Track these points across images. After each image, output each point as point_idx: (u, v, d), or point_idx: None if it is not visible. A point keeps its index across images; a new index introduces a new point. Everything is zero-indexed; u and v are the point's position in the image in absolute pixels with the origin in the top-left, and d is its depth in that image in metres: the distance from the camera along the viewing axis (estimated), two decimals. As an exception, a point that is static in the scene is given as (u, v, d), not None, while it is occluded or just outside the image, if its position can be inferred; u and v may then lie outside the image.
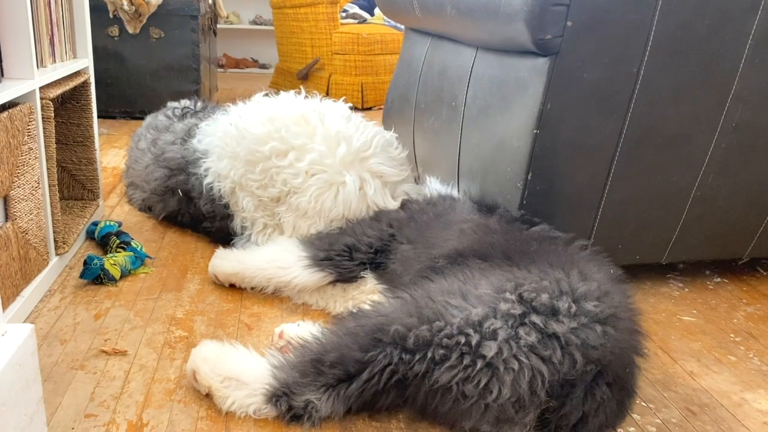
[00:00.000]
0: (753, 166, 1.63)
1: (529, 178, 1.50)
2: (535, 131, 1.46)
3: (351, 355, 1.08)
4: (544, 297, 1.10)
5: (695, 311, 1.63)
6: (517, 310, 1.08)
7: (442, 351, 1.06)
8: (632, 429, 1.16)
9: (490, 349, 1.04)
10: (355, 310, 1.21)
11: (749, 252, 1.78)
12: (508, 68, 1.56)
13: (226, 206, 1.75)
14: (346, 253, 1.50)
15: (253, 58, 6.05)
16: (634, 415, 1.20)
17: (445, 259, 1.31)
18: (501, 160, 1.58)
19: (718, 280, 1.83)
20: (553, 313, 1.08)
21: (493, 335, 1.05)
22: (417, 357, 1.06)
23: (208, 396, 1.16)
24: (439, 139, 1.92)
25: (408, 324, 1.09)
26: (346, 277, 1.50)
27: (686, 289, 1.75)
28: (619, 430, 1.15)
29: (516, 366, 1.03)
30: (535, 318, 1.07)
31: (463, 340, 1.05)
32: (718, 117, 1.54)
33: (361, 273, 1.49)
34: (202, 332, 1.40)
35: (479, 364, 1.04)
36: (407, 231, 1.50)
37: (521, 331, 1.05)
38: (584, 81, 1.44)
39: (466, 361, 1.04)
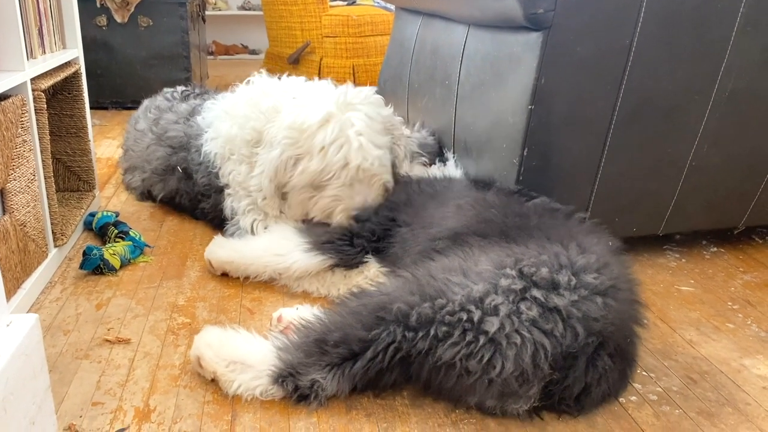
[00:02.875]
0: (747, 135, 1.63)
1: (525, 153, 1.50)
2: (529, 107, 1.46)
3: (355, 334, 1.09)
4: (544, 271, 1.10)
5: (693, 281, 1.65)
6: (518, 285, 1.08)
7: (444, 328, 1.07)
8: (634, 398, 1.18)
9: (492, 325, 1.05)
10: (356, 290, 1.22)
11: (745, 221, 1.79)
12: (500, 44, 1.56)
13: (218, 176, 1.72)
14: (347, 238, 1.50)
15: (243, 44, 6.01)
16: (636, 385, 1.21)
17: (444, 240, 1.32)
18: (496, 137, 1.58)
19: (715, 249, 1.84)
20: (554, 286, 1.09)
21: (495, 311, 1.06)
22: (420, 334, 1.07)
23: (214, 381, 1.16)
24: (434, 118, 1.92)
25: (410, 302, 1.09)
26: (347, 262, 1.50)
27: (683, 260, 1.77)
28: (621, 399, 1.17)
29: (518, 340, 1.04)
30: (535, 292, 1.07)
31: (465, 316, 1.06)
32: (711, 87, 1.54)
33: (364, 258, 1.49)
34: (205, 318, 1.41)
35: (482, 339, 1.05)
36: (405, 214, 1.50)
37: (522, 306, 1.06)
38: (577, 54, 1.44)
39: (469, 337, 1.05)
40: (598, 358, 1.08)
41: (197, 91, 2.17)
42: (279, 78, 1.86)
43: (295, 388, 1.10)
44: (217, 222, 1.81)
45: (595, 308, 1.08)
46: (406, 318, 1.08)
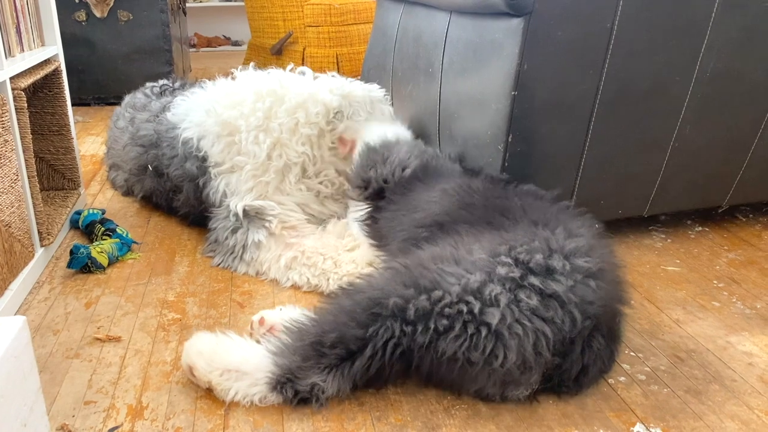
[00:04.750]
0: (728, 114, 1.65)
1: (510, 139, 1.51)
2: (513, 93, 1.47)
3: (351, 333, 1.07)
4: (539, 257, 1.10)
5: (678, 261, 1.66)
6: (516, 273, 1.07)
7: (444, 321, 1.05)
8: (623, 378, 1.19)
9: (493, 317, 1.04)
10: (347, 287, 1.19)
11: (728, 200, 1.81)
12: (482, 31, 1.56)
13: (204, 159, 1.69)
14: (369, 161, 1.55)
15: (225, 36, 5.96)
16: (624, 365, 1.23)
17: (429, 227, 1.30)
18: (481, 124, 1.58)
19: (700, 229, 1.86)
20: (549, 272, 1.09)
21: (495, 301, 1.05)
22: (419, 328, 1.05)
23: (209, 390, 1.13)
24: (419, 106, 1.92)
25: (405, 295, 1.07)
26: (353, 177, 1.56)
27: (669, 240, 1.78)
28: (610, 380, 1.18)
29: (520, 330, 1.04)
30: (533, 279, 1.07)
31: (465, 308, 1.05)
32: (692, 67, 1.55)
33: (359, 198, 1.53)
34: (195, 313, 1.41)
35: (484, 331, 1.04)
36: (394, 194, 1.49)
37: (522, 294, 1.05)
38: (559, 39, 1.44)
39: (471, 329, 1.04)
40: (593, 340, 1.10)
41: (176, 85, 2.16)
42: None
43: (294, 393, 1.08)
44: (192, 218, 1.81)
45: (589, 292, 1.08)
46: (403, 312, 1.06)
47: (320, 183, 1.72)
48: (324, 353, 1.07)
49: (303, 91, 1.69)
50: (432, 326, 1.05)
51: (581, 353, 1.09)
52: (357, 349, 1.07)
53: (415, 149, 1.57)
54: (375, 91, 1.80)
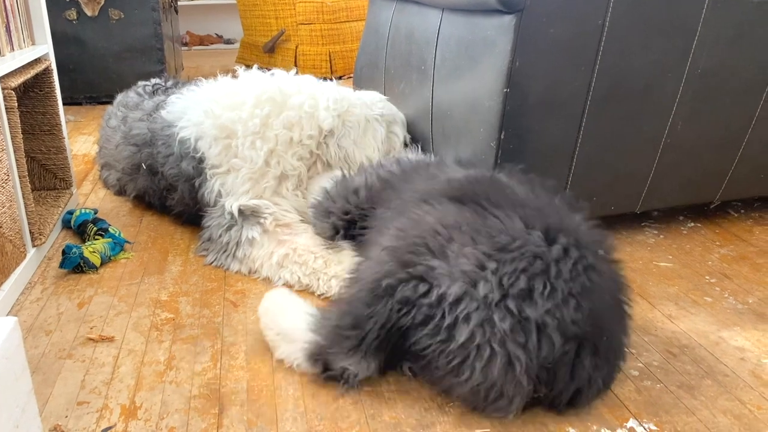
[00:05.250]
0: (720, 111, 1.65)
1: (502, 137, 1.51)
2: (505, 90, 1.47)
3: (361, 314, 1.12)
4: (523, 279, 1.05)
5: (671, 256, 1.67)
6: (495, 295, 1.04)
7: (421, 317, 1.07)
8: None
9: (462, 333, 1.04)
10: (352, 273, 1.28)
11: (720, 195, 1.81)
12: (474, 28, 1.56)
13: (201, 161, 1.69)
14: (322, 211, 1.56)
15: (217, 34, 5.94)
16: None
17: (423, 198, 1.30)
18: (473, 121, 1.58)
19: (692, 224, 1.87)
20: (529, 295, 1.05)
21: (467, 319, 1.04)
22: (404, 310, 1.09)
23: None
24: (411, 104, 1.92)
25: (397, 278, 1.10)
26: (322, 233, 1.57)
27: (661, 236, 1.79)
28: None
29: (487, 352, 1.02)
30: (510, 303, 1.04)
31: (439, 315, 1.06)
32: (683, 64, 1.56)
33: (337, 236, 1.52)
34: (188, 313, 1.40)
35: (452, 345, 1.04)
36: (383, 196, 1.48)
37: (495, 317, 1.03)
38: (551, 36, 1.45)
39: (441, 336, 1.05)
40: (580, 363, 1.05)
41: (169, 84, 2.15)
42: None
43: (324, 368, 1.16)
44: (186, 217, 1.80)
45: (570, 312, 1.04)
46: (393, 293, 1.10)
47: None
48: (346, 336, 1.13)
49: (301, 105, 1.69)
50: (412, 314, 1.08)
51: (570, 378, 1.05)
52: (366, 326, 1.12)
53: (368, 169, 1.59)
54: (376, 108, 1.80)
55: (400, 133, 1.87)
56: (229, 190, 1.65)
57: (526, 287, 1.05)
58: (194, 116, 1.73)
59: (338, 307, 1.19)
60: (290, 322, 1.22)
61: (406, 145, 1.88)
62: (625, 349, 1.16)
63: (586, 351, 1.05)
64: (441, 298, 1.06)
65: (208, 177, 1.68)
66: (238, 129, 1.66)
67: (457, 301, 1.05)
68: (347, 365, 1.14)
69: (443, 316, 1.05)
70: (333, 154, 1.72)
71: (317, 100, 1.72)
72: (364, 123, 1.76)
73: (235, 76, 1.84)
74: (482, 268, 1.07)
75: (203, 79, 1.93)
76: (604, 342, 1.07)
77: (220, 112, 1.68)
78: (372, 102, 1.82)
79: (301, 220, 1.66)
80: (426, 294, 1.08)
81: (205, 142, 1.68)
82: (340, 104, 1.73)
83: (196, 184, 1.70)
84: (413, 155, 1.72)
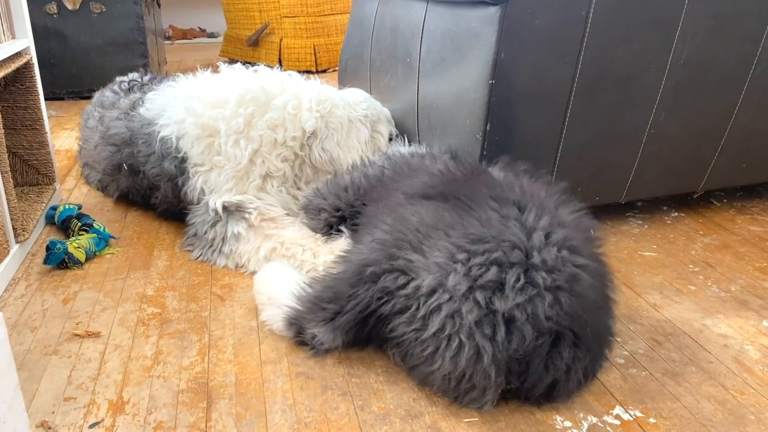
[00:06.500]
0: (702, 101, 1.67)
1: (488, 128, 1.52)
2: (490, 81, 1.47)
3: (342, 291, 1.18)
4: (494, 271, 1.05)
5: (655, 246, 1.69)
6: (462, 286, 1.05)
7: (399, 306, 1.11)
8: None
9: (434, 324, 1.06)
10: (342, 254, 1.30)
11: (703, 185, 1.83)
12: (459, 20, 1.56)
13: (183, 160, 1.67)
14: (313, 209, 1.59)
15: (200, 28, 5.89)
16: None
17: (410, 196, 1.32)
18: (459, 113, 1.59)
19: (676, 214, 1.88)
20: (500, 288, 1.05)
21: (438, 309, 1.06)
22: (385, 299, 1.13)
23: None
24: (397, 96, 1.92)
25: (382, 269, 1.14)
26: (314, 229, 1.60)
27: (646, 226, 1.81)
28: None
29: (456, 343, 1.04)
30: (478, 295, 1.04)
31: (414, 305, 1.09)
32: (666, 55, 1.57)
33: (330, 232, 1.54)
34: (175, 307, 1.40)
35: (425, 334, 1.07)
36: (373, 193, 1.49)
37: (464, 308, 1.04)
38: (535, 28, 1.45)
39: (416, 325, 1.08)
40: (557, 355, 1.04)
41: (145, 79, 2.12)
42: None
43: (297, 333, 1.24)
44: (169, 213, 1.79)
45: (544, 307, 1.03)
46: (376, 281, 1.14)
47: (299, 189, 1.74)
48: (323, 307, 1.20)
49: (284, 105, 1.68)
50: (392, 303, 1.12)
51: (544, 371, 1.04)
52: (345, 304, 1.17)
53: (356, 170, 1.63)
54: (360, 108, 1.79)
55: (385, 132, 1.86)
56: (212, 187, 1.64)
57: (497, 279, 1.05)
58: (175, 114, 1.71)
59: (323, 280, 1.26)
60: (279, 289, 1.31)
61: (391, 138, 1.88)
62: (611, 338, 1.17)
63: (564, 342, 1.05)
64: (417, 289, 1.09)
65: (190, 175, 1.67)
66: (221, 127, 1.64)
67: (431, 292, 1.08)
68: (317, 333, 1.20)
69: (418, 307, 1.08)
70: (317, 156, 1.71)
71: (301, 101, 1.71)
72: (347, 124, 1.75)
73: (216, 72, 1.82)
74: (454, 260, 1.09)
75: (181, 75, 1.91)
76: (586, 333, 1.07)
77: (203, 110, 1.66)
78: (356, 102, 1.81)
79: (286, 214, 1.66)
80: (404, 286, 1.11)
81: (187, 141, 1.66)
82: (323, 105, 1.72)
83: (179, 182, 1.69)
84: (404, 149, 1.72)
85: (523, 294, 1.04)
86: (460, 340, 1.04)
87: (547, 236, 1.11)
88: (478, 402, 1.07)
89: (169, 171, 1.69)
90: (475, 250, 1.09)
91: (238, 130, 1.64)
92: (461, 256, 1.09)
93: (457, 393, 1.08)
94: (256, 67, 1.80)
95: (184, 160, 1.67)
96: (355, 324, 1.17)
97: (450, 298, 1.06)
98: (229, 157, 1.64)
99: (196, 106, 1.67)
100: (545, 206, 1.18)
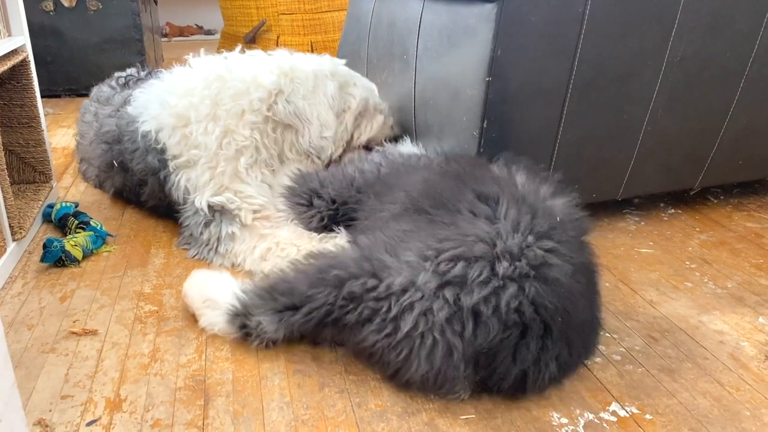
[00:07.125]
0: (699, 98, 1.67)
1: (485, 126, 1.52)
2: (487, 79, 1.47)
3: (299, 288, 1.16)
4: (460, 265, 1.06)
5: (652, 243, 1.69)
6: (432, 283, 1.05)
7: (367, 312, 1.09)
8: (599, 359, 1.21)
9: (406, 323, 1.05)
10: (313, 252, 1.28)
11: (700, 182, 1.84)
12: (456, 17, 1.56)
13: (163, 151, 1.66)
14: (305, 198, 1.56)
15: (197, 25, 5.88)
16: (600, 346, 1.25)
17: (400, 203, 1.31)
18: (456, 111, 1.59)
19: (672, 211, 1.89)
20: (465, 283, 1.05)
21: (410, 308, 1.06)
22: (350, 307, 1.11)
23: (194, 318, 1.26)
24: (394, 93, 1.92)
25: (348, 272, 1.12)
26: (302, 223, 1.57)
27: (642, 223, 1.81)
28: (586, 361, 1.20)
29: (430, 341, 1.04)
30: (447, 292, 1.04)
31: (385, 307, 1.07)
32: (663, 52, 1.57)
33: (321, 225, 1.53)
34: (172, 305, 1.40)
35: (398, 335, 1.06)
36: (375, 187, 1.49)
37: (435, 306, 1.04)
38: (532, 24, 1.45)
39: (387, 329, 1.07)
40: (524, 347, 1.04)
41: (143, 74, 2.12)
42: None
43: (242, 326, 1.21)
44: (161, 210, 1.79)
45: (508, 299, 1.03)
46: (341, 286, 1.12)
47: (274, 172, 1.70)
48: (275, 298, 1.18)
49: (246, 76, 1.67)
50: (359, 310, 1.10)
51: (512, 362, 1.04)
52: (299, 304, 1.15)
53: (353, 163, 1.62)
54: (326, 65, 1.76)
55: (357, 94, 1.80)
56: (194, 185, 1.63)
57: (463, 274, 1.05)
58: (153, 109, 1.71)
59: (281, 273, 1.23)
60: (215, 291, 1.27)
61: (396, 139, 1.86)
62: (599, 330, 1.17)
63: (531, 333, 1.04)
64: (388, 287, 1.08)
65: (171, 169, 1.65)
66: (191, 115, 1.63)
67: (403, 291, 1.07)
68: (262, 320, 1.19)
69: (389, 308, 1.07)
70: (282, 110, 1.66)
71: (263, 66, 1.69)
72: (312, 78, 1.71)
73: (187, 65, 1.80)
74: (424, 258, 1.09)
75: (164, 71, 1.90)
76: (557, 323, 1.05)
77: (175, 101, 1.66)
78: (323, 61, 1.78)
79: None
80: (374, 288, 1.09)
81: (165, 133, 1.66)
82: (284, 63, 1.70)
83: (161, 176, 1.68)
84: (404, 148, 1.72)
85: (487, 287, 1.04)
86: (434, 337, 1.04)
87: (514, 226, 1.11)
88: (452, 393, 1.08)
89: (153, 165, 1.69)
90: (441, 247, 1.09)
91: (206, 113, 1.63)
92: (430, 253, 1.09)
93: (434, 387, 1.08)
94: (224, 54, 1.79)
95: (163, 152, 1.66)
96: (301, 325, 1.15)
97: (422, 297, 1.06)
98: (200, 147, 1.62)
99: (169, 99, 1.68)
100: (524, 199, 1.17)
